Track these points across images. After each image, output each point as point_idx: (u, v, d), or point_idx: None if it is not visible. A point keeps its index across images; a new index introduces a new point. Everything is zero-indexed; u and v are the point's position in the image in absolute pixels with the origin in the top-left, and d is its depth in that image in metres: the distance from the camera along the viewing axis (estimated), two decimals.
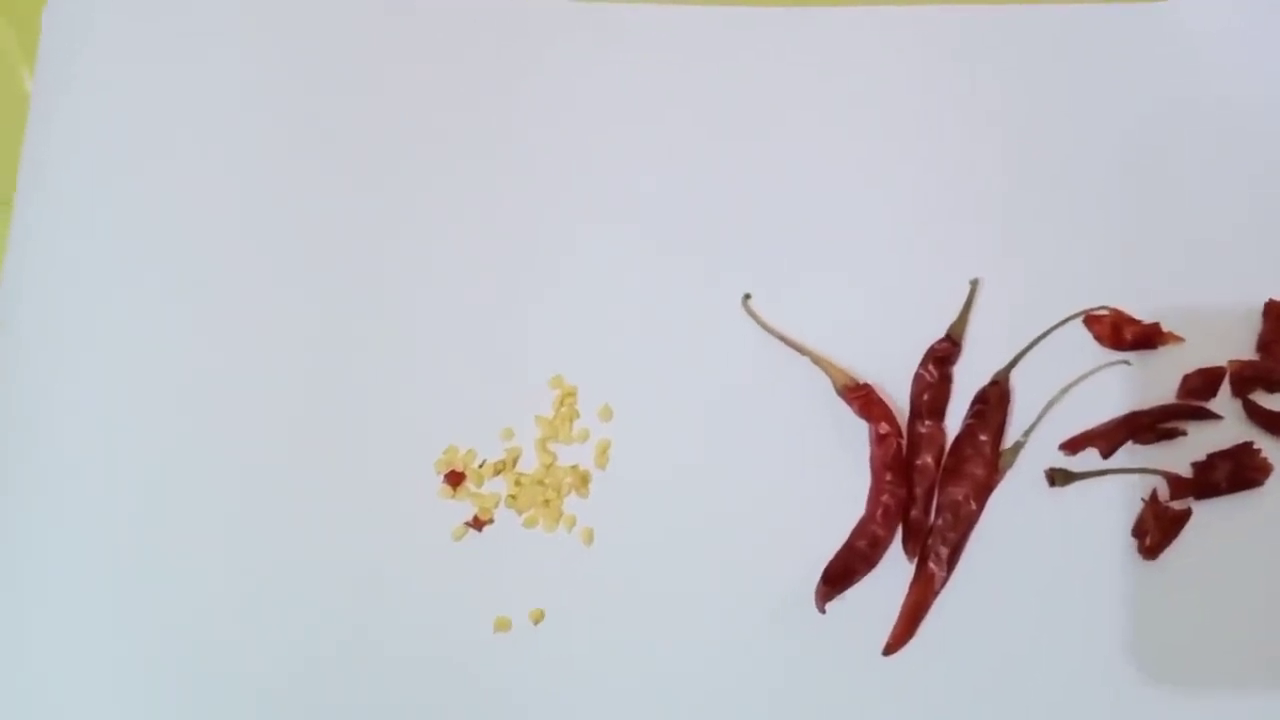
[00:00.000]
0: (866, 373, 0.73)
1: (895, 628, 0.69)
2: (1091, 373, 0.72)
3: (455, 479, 0.73)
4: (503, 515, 0.72)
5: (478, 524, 0.72)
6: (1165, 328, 0.72)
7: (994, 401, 0.72)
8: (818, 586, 0.69)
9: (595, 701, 0.70)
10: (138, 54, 0.81)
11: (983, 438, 0.71)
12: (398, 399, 0.74)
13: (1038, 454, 0.72)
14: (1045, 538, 0.70)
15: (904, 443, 0.72)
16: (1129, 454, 0.71)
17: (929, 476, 0.72)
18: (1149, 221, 0.75)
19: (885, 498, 0.71)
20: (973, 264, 0.75)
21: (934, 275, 0.75)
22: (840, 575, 0.70)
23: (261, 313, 0.76)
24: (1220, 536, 0.70)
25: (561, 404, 0.74)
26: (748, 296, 0.75)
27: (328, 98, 0.80)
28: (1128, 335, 0.72)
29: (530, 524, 0.72)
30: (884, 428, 0.71)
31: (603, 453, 0.73)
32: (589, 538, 0.72)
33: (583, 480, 0.73)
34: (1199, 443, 0.71)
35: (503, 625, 0.70)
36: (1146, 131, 0.77)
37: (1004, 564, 0.70)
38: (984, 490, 0.71)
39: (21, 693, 0.71)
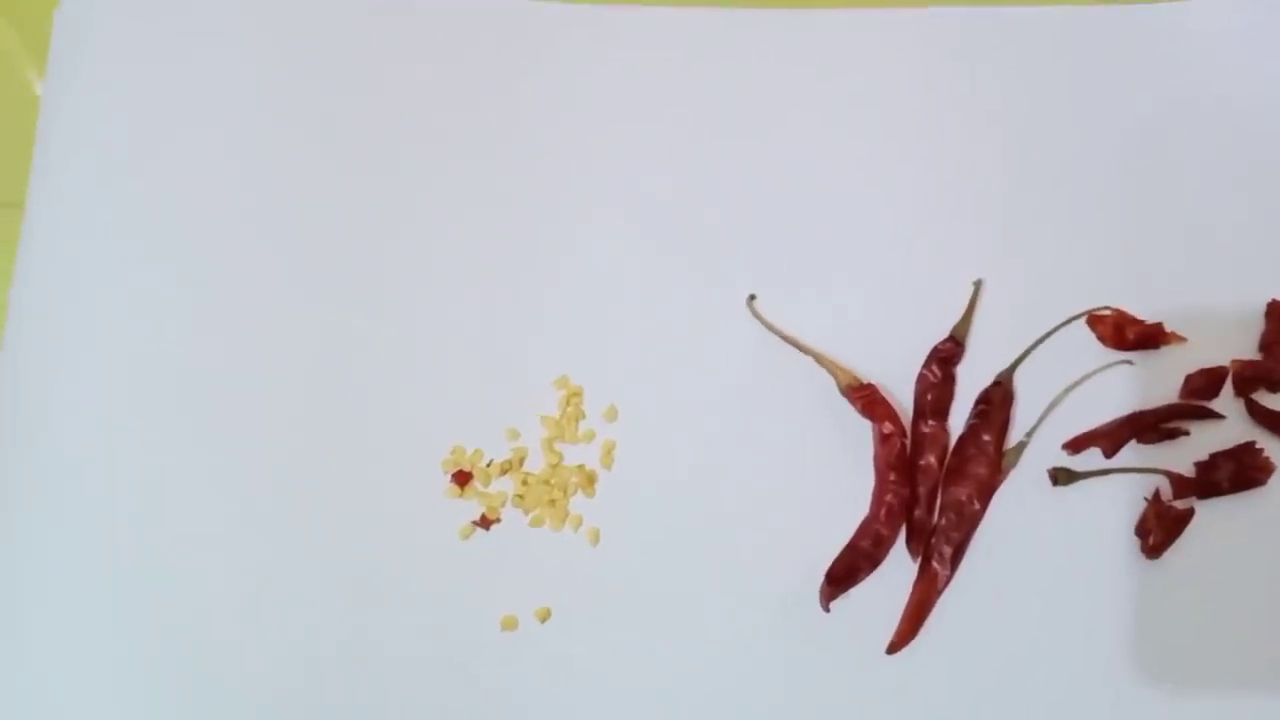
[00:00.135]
0: (870, 373, 0.73)
1: (899, 627, 0.70)
2: (1094, 373, 0.73)
3: (462, 478, 0.73)
4: (509, 514, 0.73)
5: (485, 523, 0.72)
6: (1168, 328, 0.72)
7: (997, 401, 0.72)
8: (822, 586, 0.69)
9: (601, 700, 0.70)
10: (146, 56, 0.80)
11: (986, 437, 0.72)
12: (404, 399, 0.74)
13: (1041, 453, 0.72)
14: (1048, 537, 0.71)
15: (908, 442, 0.72)
16: (1132, 453, 0.71)
17: (932, 476, 0.72)
18: (1151, 222, 0.75)
19: (889, 497, 0.71)
20: (977, 264, 0.75)
21: (938, 276, 0.75)
22: (844, 574, 0.70)
23: (269, 313, 0.76)
24: (1223, 536, 0.70)
25: (567, 404, 0.74)
26: (752, 297, 0.75)
27: (330, 98, 0.80)
28: (1130, 335, 0.72)
29: (537, 523, 0.72)
30: (888, 427, 0.72)
31: (608, 453, 0.73)
32: (595, 537, 0.72)
33: (589, 480, 0.73)
34: (1202, 442, 0.71)
35: (509, 624, 0.71)
36: (1148, 132, 0.77)
37: (1007, 563, 0.70)
38: (987, 490, 0.71)
39: (21, 693, 0.71)
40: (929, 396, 0.73)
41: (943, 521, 0.71)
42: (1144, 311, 0.73)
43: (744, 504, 0.72)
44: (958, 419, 0.73)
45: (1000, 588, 0.70)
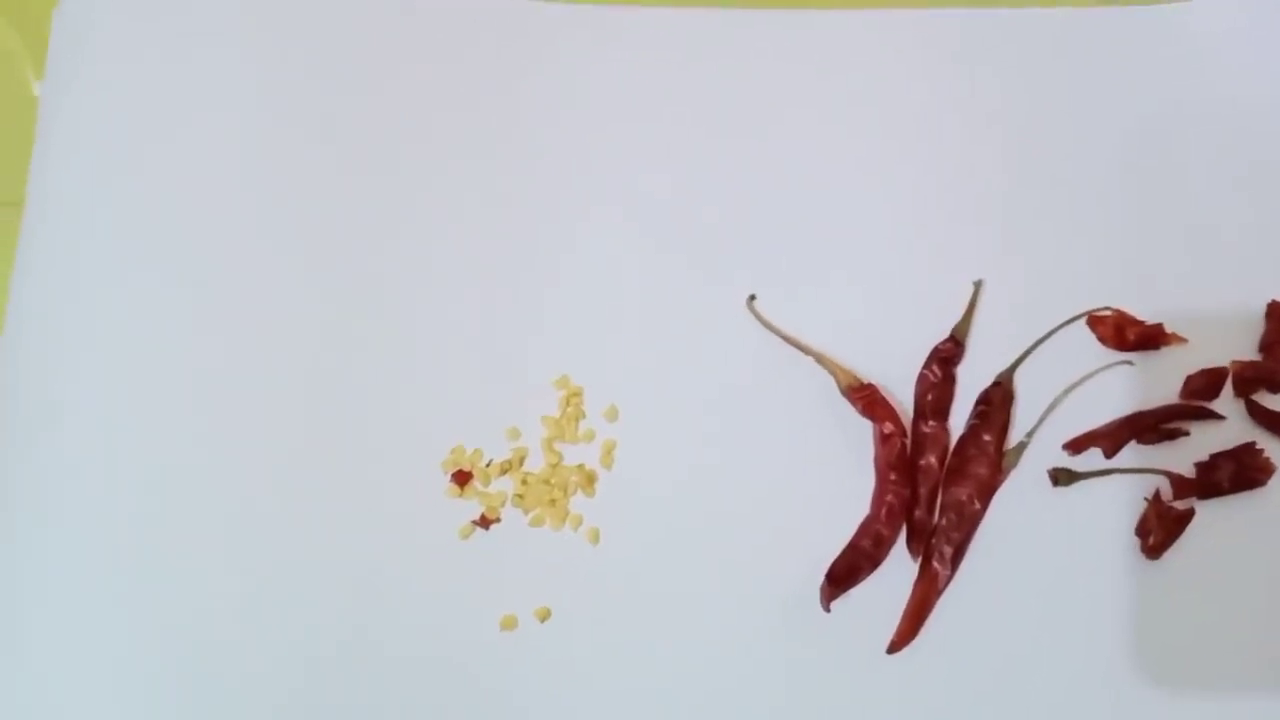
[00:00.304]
0: (870, 373, 0.73)
1: (899, 626, 0.70)
2: (1095, 373, 0.73)
3: (462, 478, 0.73)
4: (509, 514, 0.73)
5: (485, 523, 0.72)
6: (1168, 328, 0.72)
7: (997, 402, 0.72)
8: (822, 585, 0.69)
9: (601, 700, 0.70)
10: (145, 55, 0.81)
11: (986, 438, 0.72)
12: (404, 399, 0.74)
13: (1041, 454, 0.72)
14: (1048, 537, 0.71)
15: (908, 442, 0.72)
16: (1132, 454, 0.72)
17: (933, 476, 0.72)
18: (1152, 223, 0.75)
19: (889, 497, 0.71)
20: (977, 265, 0.75)
21: (938, 276, 0.75)
22: (845, 574, 0.70)
23: (269, 313, 0.76)
24: (1223, 536, 0.70)
25: (567, 404, 0.74)
26: (753, 297, 0.75)
27: (330, 98, 0.80)
28: (1131, 336, 0.72)
29: (537, 523, 0.72)
30: (888, 427, 0.72)
31: (608, 453, 0.73)
32: (595, 537, 0.72)
33: (589, 480, 0.73)
34: (1202, 443, 0.71)
35: (509, 624, 0.70)
36: (1148, 133, 0.77)
37: (1007, 563, 0.70)
38: (988, 490, 0.71)
39: (21, 693, 0.70)
40: (929, 397, 0.73)
41: (943, 522, 0.71)
42: (1144, 312, 0.73)
43: (744, 504, 0.72)
44: (958, 419, 0.73)
45: (1001, 588, 0.70)
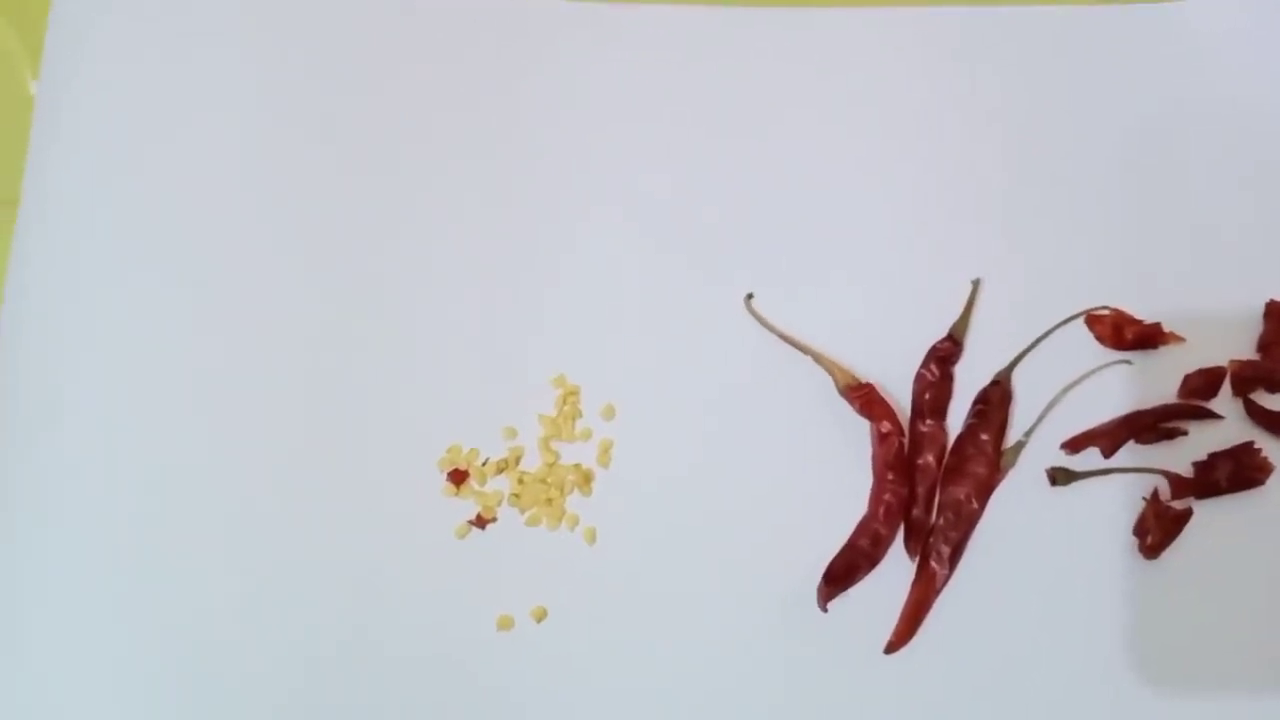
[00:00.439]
0: (868, 372, 0.73)
1: (897, 626, 0.69)
2: (1093, 372, 0.73)
3: (458, 477, 0.73)
4: (506, 514, 0.72)
5: (481, 522, 0.72)
6: (1166, 328, 0.72)
7: (995, 401, 0.72)
8: (820, 585, 0.69)
9: (597, 700, 0.70)
10: (142, 55, 0.81)
11: (984, 437, 0.72)
12: (401, 398, 0.74)
13: (1039, 453, 0.72)
14: (1046, 537, 0.71)
15: (906, 442, 0.72)
16: (1130, 453, 0.71)
17: (931, 475, 0.72)
18: (1150, 222, 0.75)
19: (887, 496, 0.71)
20: (975, 264, 0.75)
21: (936, 275, 0.75)
22: (842, 574, 0.70)
23: (265, 312, 0.76)
24: (1221, 536, 0.70)
25: (564, 403, 0.74)
26: (750, 296, 0.75)
27: (330, 97, 0.80)
28: (1129, 335, 0.72)
29: (533, 522, 0.72)
30: (886, 427, 0.71)
31: (605, 452, 0.73)
32: (591, 536, 0.72)
33: (585, 479, 0.73)
34: (1200, 442, 0.71)
35: (505, 623, 0.70)
36: (1147, 132, 0.77)
37: (1005, 563, 0.70)
38: (985, 489, 0.71)
39: (21, 693, 0.70)
40: (927, 396, 0.73)
41: (941, 521, 0.71)
42: (1142, 311, 0.73)
43: (742, 503, 0.72)
44: (956, 418, 0.73)
45: (998, 587, 0.70)
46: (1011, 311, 0.74)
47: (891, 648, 0.69)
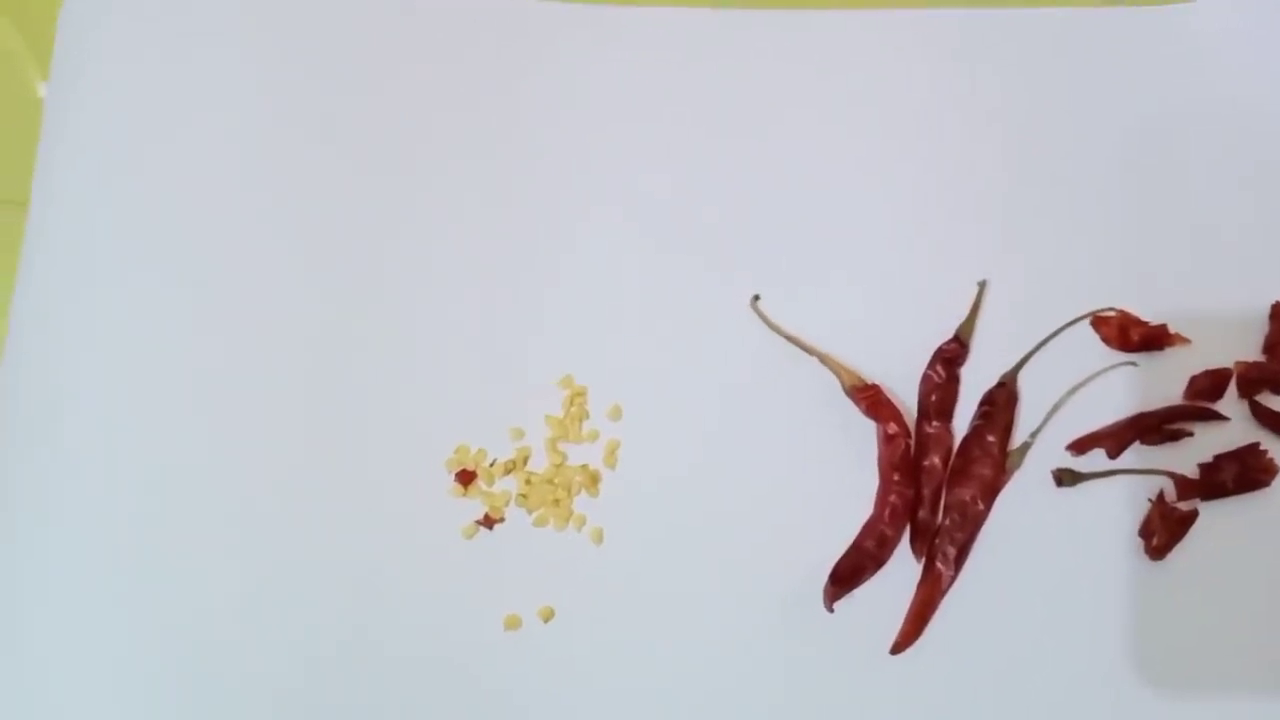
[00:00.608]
0: (874, 373, 0.73)
1: (903, 627, 0.70)
2: (1098, 374, 0.73)
3: (466, 477, 0.73)
4: (513, 514, 0.73)
5: (488, 522, 0.72)
6: (1172, 329, 0.72)
7: (1001, 402, 0.72)
8: (826, 586, 0.69)
9: (604, 699, 0.70)
10: (148, 57, 0.81)
11: (990, 438, 0.72)
12: (407, 398, 0.74)
13: (1045, 455, 0.72)
14: (1052, 538, 0.71)
15: (912, 443, 0.72)
16: (1136, 455, 0.71)
17: (936, 477, 0.72)
18: (1155, 223, 0.75)
19: (893, 498, 0.71)
20: (981, 266, 0.75)
21: (942, 277, 0.75)
22: (848, 575, 0.70)
23: (272, 313, 0.76)
24: (1226, 537, 0.70)
25: (571, 404, 0.74)
26: (756, 297, 0.75)
27: (331, 98, 0.80)
28: (1135, 337, 0.72)
29: (540, 523, 0.72)
30: (892, 428, 0.72)
31: (612, 452, 0.73)
32: (599, 537, 0.72)
33: (592, 480, 0.73)
34: (1205, 444, 0.71)
35: (512, 623, 0.70)
36: (1151, 133, 0.77)
37: (1011, 564, 0.70)
38: (991, 491, 0.71)
39: (21, 693, 0.70)
40: (933, 397, 0.73)
41: (947, 522, 0.71)
42: (1148, 313, 0.73)
43: (748, 504, 0.72)
44: (962, 420, 0.73)
45: (1004, 588, 0.70)
46: (1017, 313, 0.74)
47: (897, 648, 0.69)
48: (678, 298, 0.76)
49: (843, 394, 0.73)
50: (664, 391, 0.74)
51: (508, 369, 0.75)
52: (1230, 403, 0.72)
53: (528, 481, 0.73)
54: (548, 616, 0.71)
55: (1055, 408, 0.72)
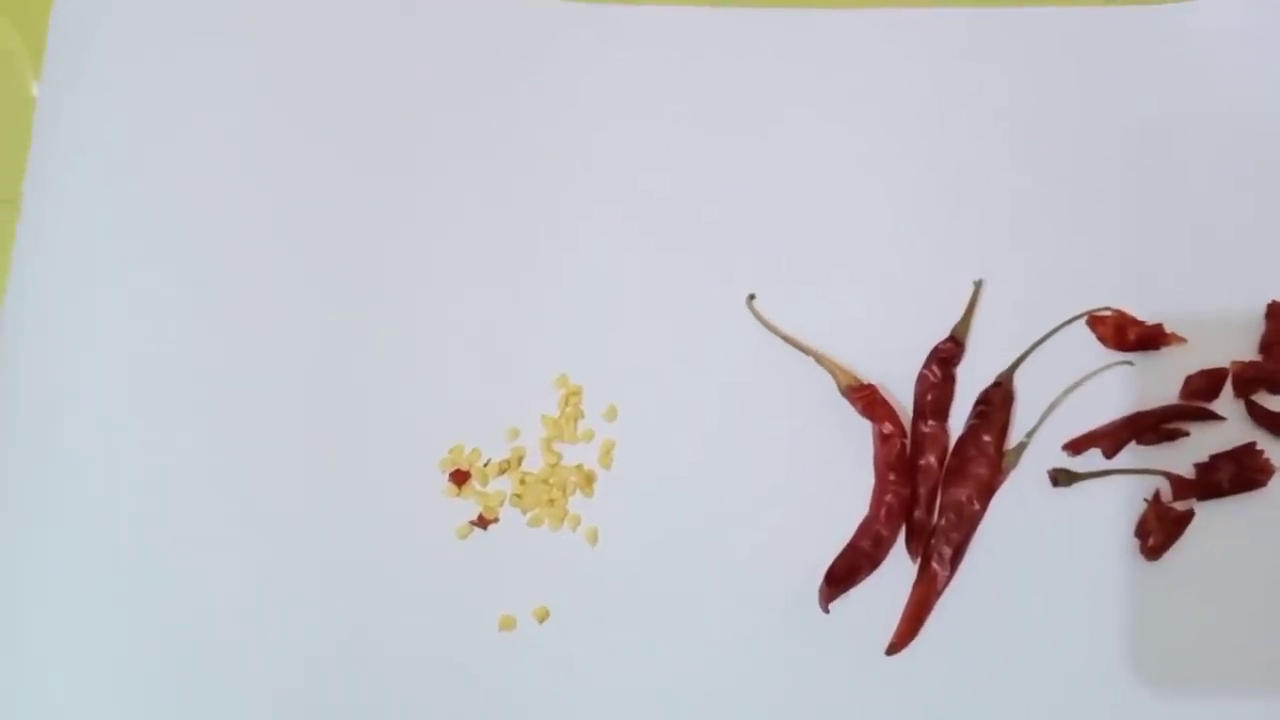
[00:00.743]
0: (870, 373, 0.73)
1: (898, 627, 0.69)
2: (1095, 373, 0.73)
3: (460, 478, 0.73)
4: (507, 514, 0.72)
5: (483, 523, 0.72)
6: (1168, 329, 0.72)
7: (997, 402, 0.72)
8: (821, 586, 0.69)
9: (599, 700, 0.70)
10: (143, 55, 0.81)
11: (986, 438, 0.72)
12: (402, 398, 0.74)
13: (1041, 454, 0.72)
14: (1048, 538, 0.71)
15: (907, 443, 0.72)
16: (1132, 455, 0.71)
17: (932, 476, 0.72)
18: (1153, 223, 0.75)
19: (889, 497, 0.71)
20: (977, 265, 0.75)
21: (938, 276, 0.75)
22: (844, 575, 0.70)
23: (268, 312, 0.76)
24: (1222, 537, 0.70)
25: (566, 403, 0.74)
26: (752, 297, 0.75)
27: (330, 97, 0.80)
28: (1131, 336, 0.72)
29: (535, 523, 0.72)
30: (887, 427, 0.71)
31: (607, 452, 0.73)
32: (593, 537, 0.72)
33: (587, 480, 0.73)
34: (1202, 444, 0.71)
35: (507, 624, 0.70)
36: (1150, 133, 0.77)
37: (1007, 564, 0.70)
38: (987, 490, 0.71)
39: (22, 693, 0.70)
40: (929, 397, 0.73)
41: (942, 522, 0.71)
42: (1144, 312, 0.73)
43: (743, 504, 0.72)
44: (958, 419, 0.73)
45: (1000, 588, 0.70)
46: (1013, 312, 0.74)
47: (893, 649, 0.69)
48: (674, 297, 0.76)
49: (838, 394, 0.73)
50: (660, 391, 0.74)
51: (503, 368, 0.75)
52: (1226, 402, 0.72)
53: (522, 482, 0.73)
54: (543, 617, 0.71)
55: (1051, 407, 0.72)
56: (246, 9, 0.81)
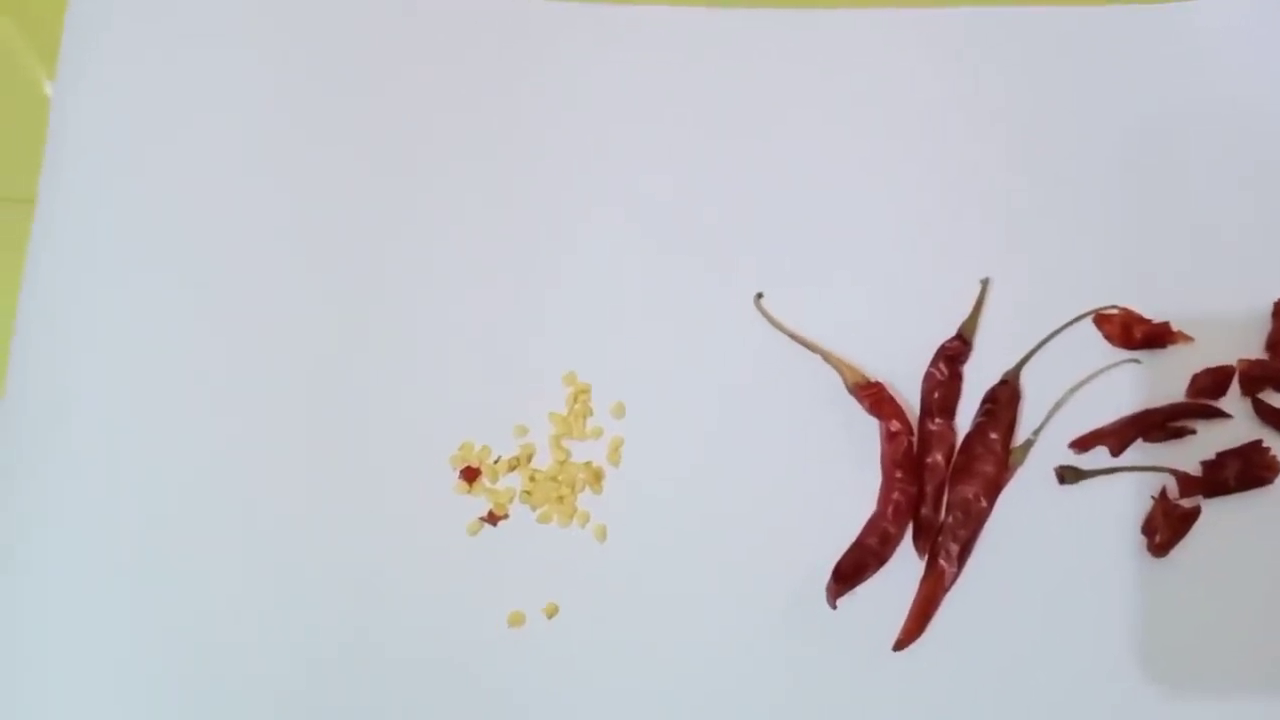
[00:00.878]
0: (877, 371, 0.73)
1: (906, 624, 0.70)
2: (1101, 371, 0.73)
3: (470, 474, 0.73)
4: (517, 511, 0.73)
5: (492, 519, 0.72)
6: (1175, 327, 0.72)
7: (1004, 400, 0.72)
8: (829, 583, 0.69)
9: (608, 696, 0.70)
10: (153, 57, 0.81)
11: (993, 436, 0.72)
12: (412, 396, 0.74)
13: (1048, 452, 0.72)
14: (1055, 535, 0.71)
15: (915, 440, 0.72)
16: (1138, 452, 0.71)
17: (939, 474, 0.72)
18: (1158, 221, 0.75)
19: (896, 495, 0.71)
20: (984, 263, 0.75)
21: (946, 274, 0.75)
22: (851, 572, 0.70)
23: (276, 312, 0.76)
24: (1229, 534, 0.70)
25: (575, 401, 0.74)
26: (760, 295, 0.75)
27: (334, 98, 0.80)
28: (1137, 334, 0.72)
29: (544, 520, 0.72)
30: (895, 425, 0.72)
31: (616, 449, 0.73)
32: (602, 534, 0.72)
33: (596, 477, 0.73)
34: (1208, 441, 0.71)
35: (516, 620, 0.71)
36: (1154, 131, 0.77)
37: (1014, 561, 0.70)
38: (994, 488, 0.71)
39: (22, 693, 0.71)
40: (936, 394, 0.73)
41: (949, 519, 0.71)
42: (1151, 311, 0.73)
43: (751, 501, 0.72)
44: (965, 417, 0.73)
45: (1006, 586, 0.70)
46: (1020, 311, 0.74)
47: (900, 645, 0.69)
48: (681, 296, 0.76)
49: (846, 391, 0.73)
50: (668, 389, 0.74)
51: (511, 367, 0.75)
52: (1233, 400, 0.72)
53: (531, 478, 0.73)
54: (552, 613, 0.71)
55: (1058, 405, 0.72)
56: (252, 11, 0.82)
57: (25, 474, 0.74)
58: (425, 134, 0.79)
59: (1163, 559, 0.70)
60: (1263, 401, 0.72)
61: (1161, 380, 0.72)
